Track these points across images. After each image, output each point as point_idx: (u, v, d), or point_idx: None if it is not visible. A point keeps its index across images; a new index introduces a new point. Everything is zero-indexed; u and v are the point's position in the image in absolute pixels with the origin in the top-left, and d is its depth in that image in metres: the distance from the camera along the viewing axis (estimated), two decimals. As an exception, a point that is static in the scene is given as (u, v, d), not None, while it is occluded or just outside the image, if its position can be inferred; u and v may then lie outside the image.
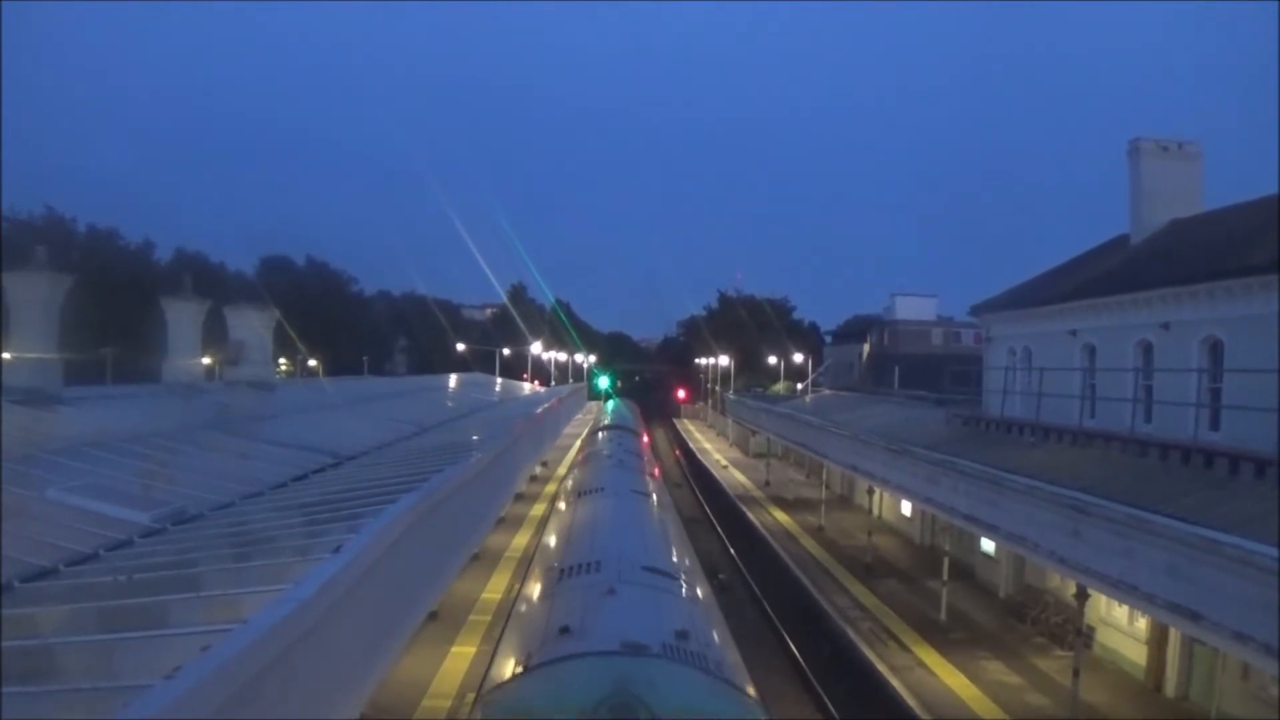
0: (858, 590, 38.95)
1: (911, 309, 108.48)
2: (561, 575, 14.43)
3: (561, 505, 25.58)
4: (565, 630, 10.86)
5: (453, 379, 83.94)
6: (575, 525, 19.78)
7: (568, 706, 9.03)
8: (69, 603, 11.06)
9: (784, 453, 79.32)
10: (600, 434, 46.58)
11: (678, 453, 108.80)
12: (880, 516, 52.63)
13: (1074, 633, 26.51)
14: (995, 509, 26.59)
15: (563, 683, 9.56)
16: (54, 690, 8.26)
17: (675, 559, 17.01)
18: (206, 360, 45.57)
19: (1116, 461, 26.90)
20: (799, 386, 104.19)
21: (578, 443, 61.03)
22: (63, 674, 8.96)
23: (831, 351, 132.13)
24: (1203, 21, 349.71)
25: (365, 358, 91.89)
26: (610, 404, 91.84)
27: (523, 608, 14.55)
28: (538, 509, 51.01)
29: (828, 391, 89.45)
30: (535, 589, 15.00)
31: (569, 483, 31.51)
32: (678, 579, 15.00)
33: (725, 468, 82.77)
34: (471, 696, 11.33)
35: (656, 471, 36.48)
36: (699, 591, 15.53)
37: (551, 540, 19.79)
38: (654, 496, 25.49)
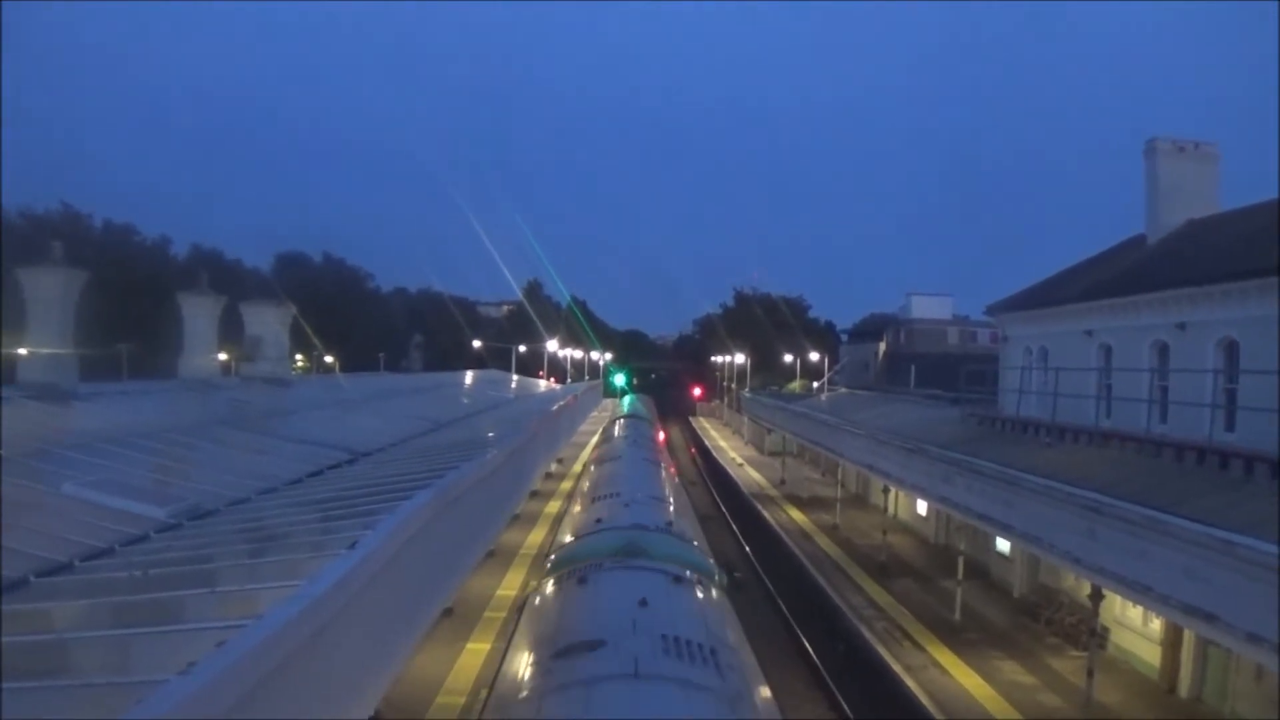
0: (872, 589, 38.93)
1: (927, 308, 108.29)
2: (595, 499, 23.57)
3: (591, 468, 34.73)
4: (599, 520, 19.07)
5: (468, 376, 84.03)
6: (602, 475, 29.50)
7: (600, 551, 15.39)
8: (84, 598, 11.08)
9: (799, 451, 79.22)
10: (617, 424, 50.33)
11: (693, 450, 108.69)
12: (895, 515, 52.60)
13: (1088, 633, 26.51)
14: (1010, 508, 26.54)
15: (597, 542, 16.49)
16: (69, 685, 8.28)
17: (670, 494, 26.39)
18: (223, 356, 45.61)
19: (1132, 462, 26.81)
20: (814, 385, 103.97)
21: (594, 440, 61.06)
22: (77, 669, 8.98)
23: (847, 350, 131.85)
24: (1218, 21, 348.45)
25: (381, 354, 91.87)
26: (626, 399, 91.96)
27: (575, 509, 25.30)
28: (553, 506, 51.08)
29: (843, 390, 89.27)
30: (579, 505, 25.00)
31: (593, 454, 42.56)
32: (668, 502, 23.96)
33: (741, 466, 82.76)
34: (486, 693, 11.55)
35: (673, 470, 36.71)
36: (682, 505, 26.61)
37: (586, 484, 29.48)
38: (661, 464, 34.30)
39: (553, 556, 17.69)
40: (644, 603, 11.66)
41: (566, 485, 56.60)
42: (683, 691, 9.24)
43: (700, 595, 13.93)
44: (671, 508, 22.82)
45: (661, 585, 13.17)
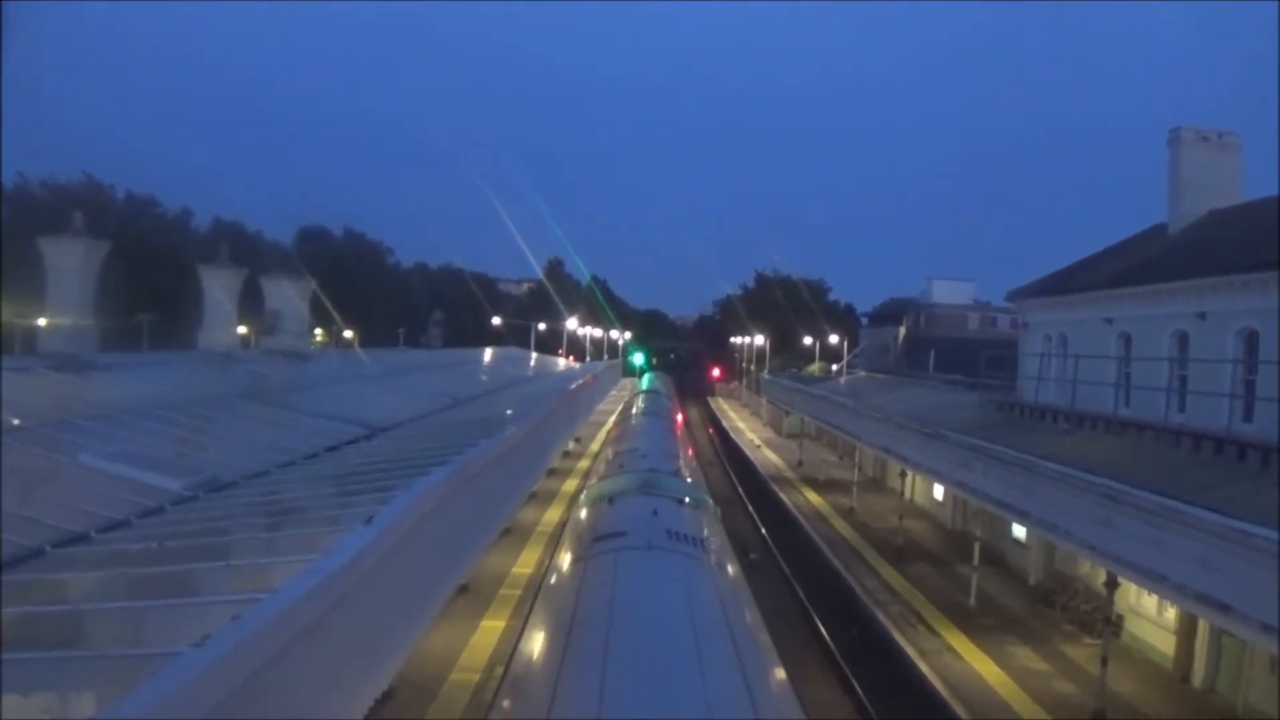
0: (888, 573, 38.92)
1: (948, 293, 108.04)
2: (618, 454, 29.81)
3: (615, 433, 43.00)
4: (621, 465, 25.34)
5: (488, 353, 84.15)
6: (625, 434, 37.49)
7: (623, 485, 19.67)
8: (100, 569, 11.15)
9: (817, 433, 79.09)
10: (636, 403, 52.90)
11: (711, 431, 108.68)
12: (912, 500, 52.60)
13: (1103, 621, 26.45)
14: (1027, 495, 26.47)
15: (621, 479, 21.04)
16: (84, 656, 8.31)
17: (680, 449, 33.67)
18: (242, 329, 45.77)
19: (1149, 451, 26.76)
20: (834, 368, 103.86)
21: (611, 419, 61.12)
22: (92, 640, 9.03)
23: (867, 334, 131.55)
24: (1244, 9, 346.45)
25: (401, 330, 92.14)
26: (645, 378, 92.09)
27: (609, 453, 33.39)
28: (570, 484, 51.10)
29: (862, 374, 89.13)
30: (608, 456, 32.27)
31: (614, 429, 48.86)
32: (680, 458, 29.73)
33: (758, 447, 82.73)
34: (501, 670, 11.96)
35: (690, 454, 37.21)
36: (691, 461, 33.10)
37: (612, 448, 34.92)
38: (677, 430, 43.22)
39: (584, 492, 23.82)
40: (655, 512, 15.98)
41: (584, 464, 56.60)
42: (681, 559, 13.54)
43: (695, 511, 18.56)
44: (682, 460, 29.92)
45: (668, 505, 17.44)
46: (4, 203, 75.04)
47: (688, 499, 19.16)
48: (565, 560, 15.24)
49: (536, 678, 9.62)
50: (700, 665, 8.99)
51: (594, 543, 14.72)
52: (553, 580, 14.92)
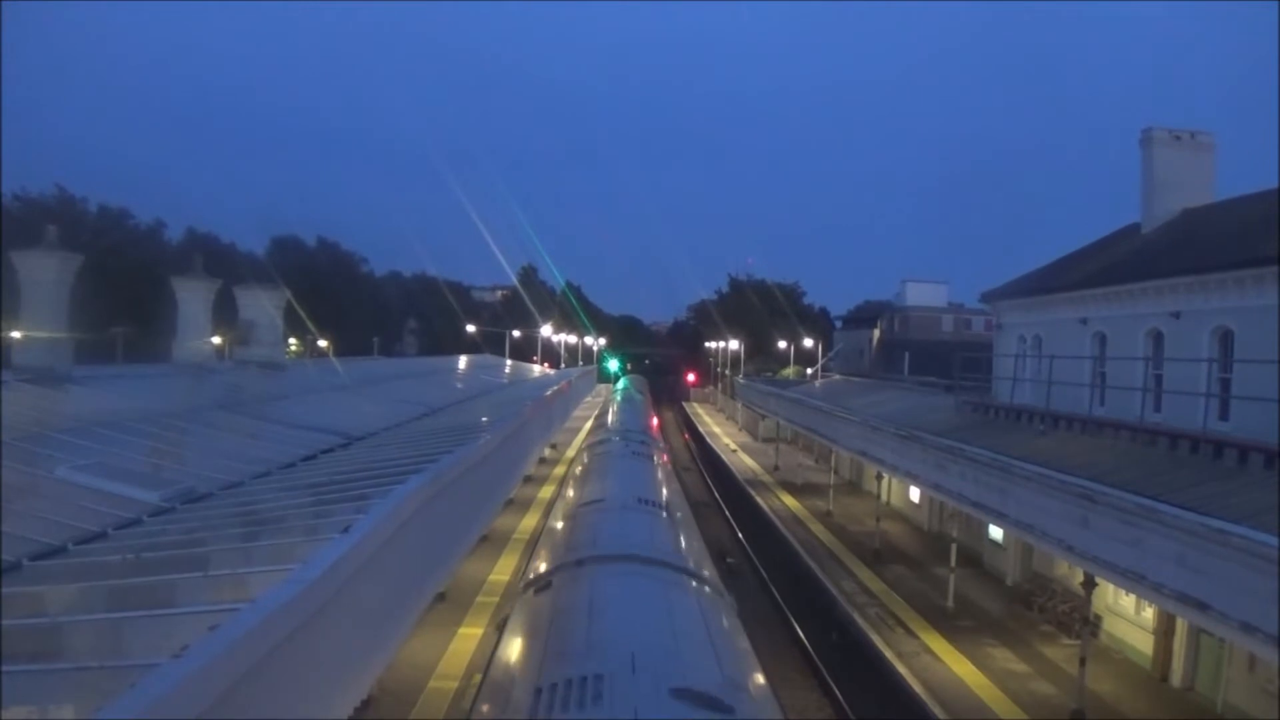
0: (865, 576, 38.97)
1: (922, 295, 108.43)
2: (599, 428, 38.66)
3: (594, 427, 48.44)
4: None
5: (463, 361, 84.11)
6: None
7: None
8: (77, 581, 11.08)
9: (793, 437, 79.19)
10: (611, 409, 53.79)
11: (686, 436, 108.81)
12: (889, 502, 52.64)
13: (1081, 621, 26.55)
14: (1004, 496, 26.56)
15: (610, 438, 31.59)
16: (62, 669, 8.28)
17: (645, 425, 40.36)
18: (217, 340, 45.52)
19: (1126, 450, 26.88)
20: (809, 371, 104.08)
21: (587, 425, 61.12)
22: (70, 652, 8.97)
23: (842, 337, 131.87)
24: (1219, 11, 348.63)
25: (375, 339, 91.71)
26: (620, 383, 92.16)
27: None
28: (546, 491, 51.02)
29: (837, 377, 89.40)
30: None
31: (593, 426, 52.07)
32: (654, 445, 34.39)
33: (734, 452, 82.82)
34: (479, 678, 11.83)
35: (665, 459, 37.51)
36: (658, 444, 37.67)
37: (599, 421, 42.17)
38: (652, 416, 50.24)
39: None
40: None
41: (560, 470, 56.53)
42: (647, 516, 17.22)
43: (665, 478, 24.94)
44: (652, 445, 34.21)
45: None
46: None
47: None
48: (559, 515, 18.44)
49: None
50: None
51: (580, 507, 18.18)
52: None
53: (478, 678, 13.78)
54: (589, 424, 60.36)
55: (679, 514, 19.85)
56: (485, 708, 9.11)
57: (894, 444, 38.21)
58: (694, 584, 12.59)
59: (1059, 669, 28.10)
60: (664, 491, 22.07)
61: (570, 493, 22.66)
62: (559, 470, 57.04)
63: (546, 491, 50.68)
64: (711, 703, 7.55)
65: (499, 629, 11.71)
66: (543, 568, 13.58)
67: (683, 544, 16.19)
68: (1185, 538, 17.47)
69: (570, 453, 61.85)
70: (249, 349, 40.50)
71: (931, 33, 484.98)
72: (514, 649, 10.24)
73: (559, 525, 18.00)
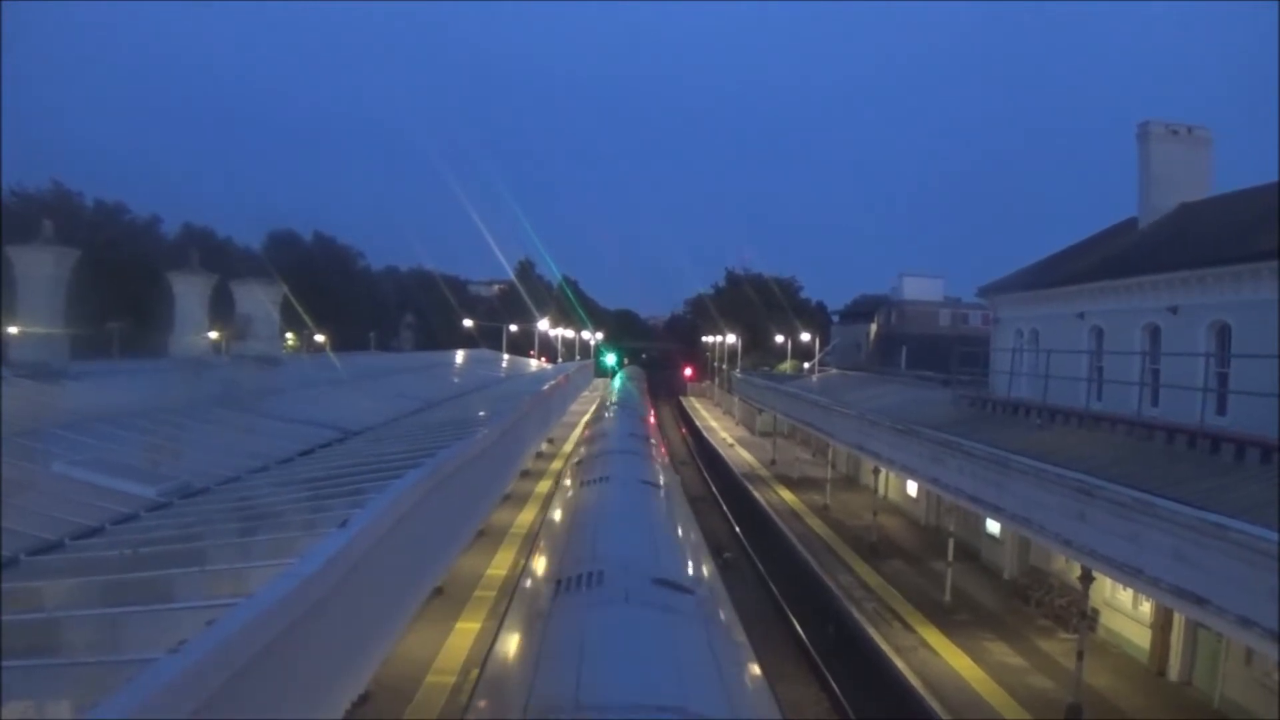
0: (862, 570, 38.96)
1: (919, 289, 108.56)
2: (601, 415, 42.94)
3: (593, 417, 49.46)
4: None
5: (459, 355, 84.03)
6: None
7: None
8: (74, 576, 11.07)
9: (790, 431, 79.13)
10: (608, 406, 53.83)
11: (684, 430, 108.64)
12: (886, 496, 52.62)
13: (1078, 615, 26.52)
14: (1001, 490, 26.54)
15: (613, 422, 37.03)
16: (59, 664, 8.27)
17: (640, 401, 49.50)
18: (213, 335, 45.52)
19: (1123, 445, 26.87)
20: (806, 366, 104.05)
21: (584, 419, 61.11)
22: (67, 648, 8.96)
23: (839, 331, 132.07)
24: (1217, 8, 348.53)
25: (372, 333, 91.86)
26: (618, 378, 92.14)
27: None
28: (543, 485, 50.95)
29: (834, 371, 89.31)
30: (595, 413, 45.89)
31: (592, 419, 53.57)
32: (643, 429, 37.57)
33: (731, 446, 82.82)
34: (475, 673, 11.89)
35: (663, 450, 37.47)
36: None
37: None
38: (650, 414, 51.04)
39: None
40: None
41: (557, 465, 56.49)
42: (642, 459, 21.33)
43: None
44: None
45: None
46: None
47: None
48: (564, 475, 21.60)
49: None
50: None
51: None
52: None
53: (474, 673, 13.82)
54: (586, 417, 60.42)
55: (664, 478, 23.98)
56: (482, 704, 9.16)
57: (891, 438, 38.17)
58: (663, 495, 19.25)
59: (1056, 663, 28.11)
60: (660, 476, 23.62)
61: (566, 481, 24.91)
62: (556, 465, 57.03)
63: (543, 486, 50.62)
64: (679, 588, 11.18)
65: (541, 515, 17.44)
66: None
67: (661, 478, 22.05)
68: (1182, 532, 17.46)
69: (567, 447, 61.79)
70: (246, 344, 40.47)
71: (930, 29, 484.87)
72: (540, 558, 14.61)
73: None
